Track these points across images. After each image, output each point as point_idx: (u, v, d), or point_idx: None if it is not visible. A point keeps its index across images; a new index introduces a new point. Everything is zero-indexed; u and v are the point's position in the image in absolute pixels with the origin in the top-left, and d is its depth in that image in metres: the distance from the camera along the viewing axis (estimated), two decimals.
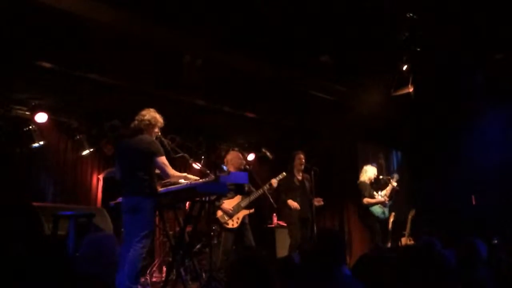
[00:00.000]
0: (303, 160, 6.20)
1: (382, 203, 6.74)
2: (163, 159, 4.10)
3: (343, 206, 8.36)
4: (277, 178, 5.76)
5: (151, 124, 4.22)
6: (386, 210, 6.76)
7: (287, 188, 6.05)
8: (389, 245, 6.73)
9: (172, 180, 4.27)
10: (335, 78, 6.94)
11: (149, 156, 4.06)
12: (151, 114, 4.24)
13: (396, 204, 7.02)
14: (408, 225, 6.92)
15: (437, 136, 8.12)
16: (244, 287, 2.33)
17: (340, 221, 8.36)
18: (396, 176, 6.99)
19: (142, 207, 3.99)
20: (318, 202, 6.16)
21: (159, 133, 4.44)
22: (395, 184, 6.85)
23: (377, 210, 6.74)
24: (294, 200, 6.01)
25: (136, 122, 4.23)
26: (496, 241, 4.87)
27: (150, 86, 5.91)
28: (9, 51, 4.79)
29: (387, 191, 6.81)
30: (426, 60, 6.35)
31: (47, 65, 5.13)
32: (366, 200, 6.74)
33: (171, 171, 4.15)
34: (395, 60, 6.27)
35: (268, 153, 8.02)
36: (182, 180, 4.35)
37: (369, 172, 6.97)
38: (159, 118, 4.27)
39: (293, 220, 5.99)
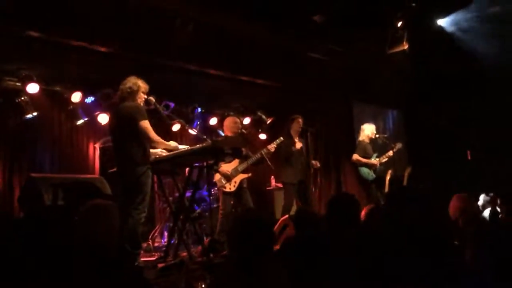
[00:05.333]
0: (301, 124, 6.19)
1: (372, 166, 6.78)
2: (145, 123, 4.04)
3: (339, 167, 8.42)
4: (275, 143, 5.76)
5: (133, 91, 4.19)
6: (372, 172, 6.79)
7: (285, 151, 6.06)
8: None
9: (157, 146, 4.24)
10: (329, 38, 6.84)
11: (133, 121, 4.04)
12: (132, 81, 4.21)
13: (392, 162, 7.05)
14: (405, 182, 6.97)
15: (434, 94, 8.09)
16: (245, 247, 2.37)
17: (337, 182, 8.44)
18: (398, 145, 6.93)
19: (134, 173, 4.01)
20: (315, 164, 6.21)
21: (153, 98, 4.42)
22: (391, 153, 6.85)
23: (363, 170, 6.79)
24: (292, 163, 6.04)
25: (119, 92, 4.24)
26: (491, 195, 4.95)
27: (142, 53, 5.82)
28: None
29: (383, 157, 6.83)
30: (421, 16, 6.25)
31: (36, 34, 5.02)
32: (356, 157, 6.78)
33: (155, 136, 4.09)
34: (390, 17, 6.17)
35: (263, 116, 8.01)
36: (181, 146, 4.36)
37: (366, 130, 6.97)
38: (141, 84, 4.23)
39: (291, 181, 6.03)
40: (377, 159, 6.82)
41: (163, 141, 4.21)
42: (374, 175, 6.79)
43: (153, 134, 4.08)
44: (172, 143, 4.29)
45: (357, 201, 2.77)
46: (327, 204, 2.82)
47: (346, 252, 2.34)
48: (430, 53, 7.32)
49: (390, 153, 6.85)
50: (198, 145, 4.31)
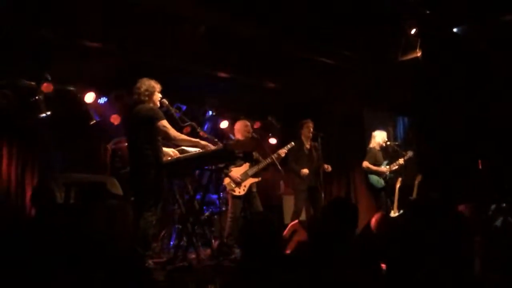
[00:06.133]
0: (312, 129, 6.19)
1: (381, 173, 6.75)
2: (164, 123, 4.10)
3: (349, 173, 8.39)
4: (286, 148, 5.76)
5: (150, 93, 4.21)
6: (382, 180, 6.76)
7: (296, 156, 6.06)
8: (394, 213, 6.71)
9: (179, 143, 4.27)
10: (341, 43, 6.84)
11: (150, 123, 4.07)
12: (146, 83, 4.22)
13: (402, 170, 7.00)
14: (415, 190, 6.93)
15: (446, 102, 8.03)
16: (255, 251, 2.38)
17: (347, 188, 8.41)
18: (409, 153, 6.88)
19: (147, 175, 4.03)
20: (327, 168, 6.19)
21: (165, 100, 4.44)
22: (402, 161, 6.79)
23: (373, 178, 6.76)
24: (303, 168, 6.03)
25: (135, 96, 4.23)
26: (503, 205, 4.90)
27: (154, 55, 5.87)
28: (13, 22, 4.75)
29: (394, 165, 6.79)
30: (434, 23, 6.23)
31: (51, 34, 5.09)
32: (366, 164, 6.75)
33: (174, 133, 4.14)
34: (404, 23, 6.15)
35: (274, 121, 8.01)
36: (191, 149, 4.38)
37: (377, 138, 6.93)
38: (154, 84, 4.26)
39: (301, 188, 6.02)
40: (387, 166, 6.79)
41: (185, 137, 4.27)
42: (383, 183, 6.76)
43: (173, 132, 4.13)
44: (194, 139, 4.31)
45: (354, 206, 2.76)
46: (323, 209, 2.80)
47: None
48: (443, 61, 7.27)
49: (401, 161, 6.81)
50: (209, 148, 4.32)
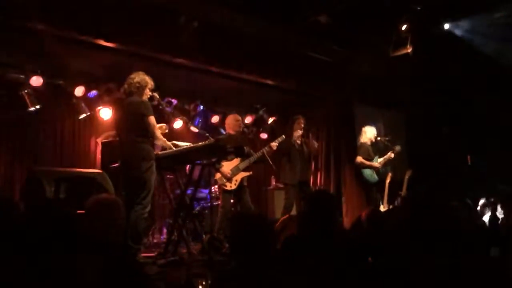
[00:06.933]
0: (303, 125, 6.21)
1: (374, 168, 6.80)
2: (152, 120, 4.12)
3: (339, 168, 8.42)
4: (277, 141, 5.77)
5: (141, 86, 4.22)
6: (375, 174, 6.82)
7: (287, 151, 6.07)
8: (383, 207, 6.77)
9: (157, 143, 4.30)
10: (333, 39, 6.85)
11: (140, 117, 4.08)
12: (140, 77, 4.24)
13: (392, 165, 7.06)
14: (405, 186, 6.98)
15: (435, 97, 8.10)
16: (247, 248, 2.38)
17: (337, 183, 8.44)
18: (398, 148, 6.94)
19: (138, 169, 4.03)
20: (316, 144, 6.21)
21: (156, 94, 4.43)
22: (392, 155, 6.86)
23: (366, 172, 6.81)
24: (294, 163, 6.05)
25: (126, 86, 4.25)
26: (492, 200, 4.96)
27: (146, 49, 5.82)
28: (4, 15, 4.68)
29: (384, 159, 6.85)
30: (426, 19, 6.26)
31: (40, 27, 5.02)
32: (360, 159, 6.80)
33: (158, 133, 4.17)
34: (395, 19, 6.18)
35: (265, 116, 8.02)
36: (183, 143, 4.38)
37: (368, 133, 6.98)
38: (148, 80, 4.28)
39: (292, 182, 6.04)
40: (379, 161, 6.84)
41: (164, 139, 4.26)
42: (377, 178, 6.81)
43: (157, 131, 4.16)
44: (169, 143, 4.32)
45: (334, 198, 2.80)
46: (305, 202, 2.84)
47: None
48: (433, 56, 7.33)
49: (391, 155, 6.87)
50: (201, 143, 4.32)
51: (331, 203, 2.70)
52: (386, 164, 6.88)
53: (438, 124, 8.05)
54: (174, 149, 4.32)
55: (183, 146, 4.39)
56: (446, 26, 6.89)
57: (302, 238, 2.69)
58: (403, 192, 6.99)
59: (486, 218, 4.85)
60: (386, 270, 2.10)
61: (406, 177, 7.02)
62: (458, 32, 6.93)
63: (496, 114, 7.27)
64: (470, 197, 4.47)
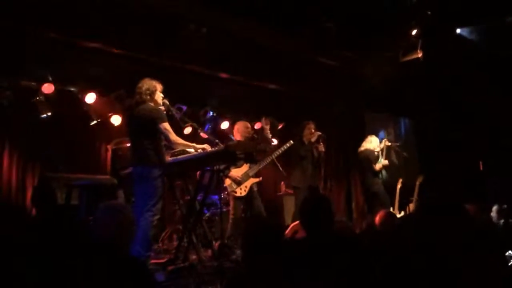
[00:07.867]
0: (313, 130, 6.20)
1: (385, 166, 6.85)
2: (165, 125, 4.12)
3: (349, 174, 8.38)
4: (285, 147, 5.76)
5: (152, 92, 4.23)
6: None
7: (297, 156, 6.07)
8: (396, 213, 6.72)
9: (176, 147, 4.28)
10: (342, 44, 6.83)
11: (152, 124, 4.08)
12: (147, 83, 4.25)
13: (403, 170, 7.02)
14: (416, 191, 6.94)
15: (446, 103, 8.03)
16: (257, 253, 2.37)
17: (347, 189, 8.40)
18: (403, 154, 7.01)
19: (149, 176, 4.03)
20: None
21: (166, 100, 4.43)
22: (389, 143, 6.94)
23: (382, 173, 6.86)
24: (305, 167, 6.05)
25: (137, 96, 4.25)
26: (505, 206, 4.90)
27: (156, 56, 5.87)
28: (16, 22, 4.75)
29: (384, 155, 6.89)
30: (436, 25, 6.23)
31: (52, 35, 5.09)
32: (379, 166, 6.79)
33: (174, 137, 4.17)
34: (405, 24, 6.15)
35: (275, 122, 8.00)
36: (191, 150, 4.37)
37: (374, 143, 6.96)
38: (156, 83, 4.28)
39: (301, 185, 6.03)
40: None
41: (184, 141, 4.28)
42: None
43: (173, 136, 4.16)
44: (195, 145, 4.32)
45: (328, 201, 2.78)
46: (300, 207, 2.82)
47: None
48: (444, 61, 7.27)
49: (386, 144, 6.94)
50: (211, 149, 4.31)
51: (322, 206, 2.70)
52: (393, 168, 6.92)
53: (449, 130, 7.97)
54: (197, 149, 4.28)
55: (192, 152, 4.37)
56: (457, 30, 6.84)
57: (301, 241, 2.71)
58: (415, 197, 6.94)
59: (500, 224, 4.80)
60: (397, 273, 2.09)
61: (417, 182, 6.98)
62: (469, 36, 6.88)
63: (510, 118, 7.18)
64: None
